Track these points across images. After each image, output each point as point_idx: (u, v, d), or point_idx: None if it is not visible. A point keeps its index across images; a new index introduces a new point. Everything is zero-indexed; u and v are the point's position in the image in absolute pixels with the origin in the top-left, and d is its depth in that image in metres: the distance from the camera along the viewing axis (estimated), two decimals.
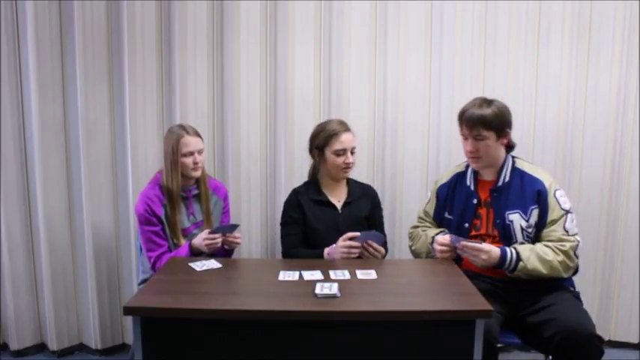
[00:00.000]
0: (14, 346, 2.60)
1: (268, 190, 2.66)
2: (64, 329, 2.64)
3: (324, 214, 2.22)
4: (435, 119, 2.61)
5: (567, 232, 1.91)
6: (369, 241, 2.05)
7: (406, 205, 2.65)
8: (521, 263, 1.86)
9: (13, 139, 2.50)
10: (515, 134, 2.57)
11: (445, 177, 2.19)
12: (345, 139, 2.19)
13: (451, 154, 2.62)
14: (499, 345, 1.92)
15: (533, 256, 1.87)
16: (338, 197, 2.27)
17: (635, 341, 2.74)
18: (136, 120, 2.54)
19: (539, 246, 1.91)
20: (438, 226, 2.17)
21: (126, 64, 2.48)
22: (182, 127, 2.17)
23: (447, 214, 2.12)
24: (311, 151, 2.29)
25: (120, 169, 2.58)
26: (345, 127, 2.23)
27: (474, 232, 2.03)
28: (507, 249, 1.89)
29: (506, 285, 1.94)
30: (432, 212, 2.19)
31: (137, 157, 2.56)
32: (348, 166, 2.21)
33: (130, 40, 2.48)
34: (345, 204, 2.26)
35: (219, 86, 2.58)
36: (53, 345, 2.61)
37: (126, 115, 2.51)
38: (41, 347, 2.68)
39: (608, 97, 2.59)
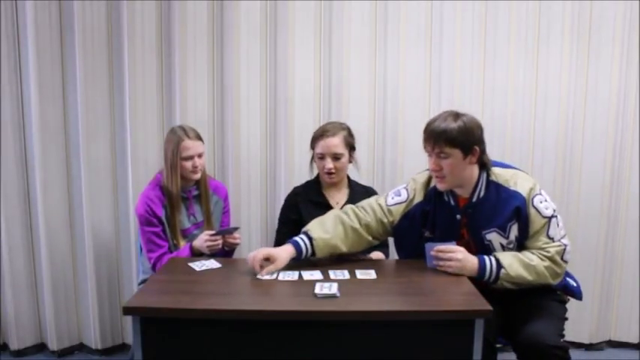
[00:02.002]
0: (14, 346, 2.60)
1: (268, 190, 2.66)
2: (64, 329, 2.64)
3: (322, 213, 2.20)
4: None
5: (552, 239, 1.78)
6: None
7: None
8: (503, 270, 1.75)
9: (13, 139, 2.50)
10: (515, 135, 2.58)
11: (421, 191, 1.93)
12: (324, 144, 2.12)
13: None
14: (498, 345, 1.91)
15: (516, 263, 1.76)
16: (337, 199, 2.25)
17: (635, 341, 2.74)
18: (136, 120, 2.54)
19: (523, 252, 1.80)
20: (409, 240, 1.94)
21: (126, 64, 2.48)
22: (183, 129, 2.16)
23: (427, 233, 1.91)
24: (310, 147, 2.28)
25: (120, 169, 2.58)
26: (332, 132, 2.13)
27: None
28: (485, 257, 1.78)
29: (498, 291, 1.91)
30: (397, 215, 1.92)
31: (137, 157, 2.56)
32: (329, 172, 2.13)
33: (130, 40, 2.48)
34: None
35: (219, 86, 2.58)
36: (53, 345, 2.61)
37: (126, 115, 2.51)
38: (41, 347, 2.68)
39: (608, 97, 2.58)
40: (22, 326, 2.61)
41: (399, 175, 2.65)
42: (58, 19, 2.47)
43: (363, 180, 2.47)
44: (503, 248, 1.82)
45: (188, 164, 2.12)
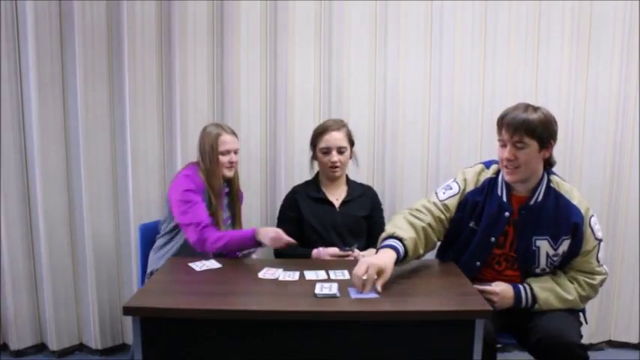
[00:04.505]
0: (14, 346, 2.60)
1: (268, 189, 2.66)
2: (64, 329, 2.64)
3: (321, 211, 2.23)
4: (435, 119, 2.61)
5: (599, 262, 1.82)
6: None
7: (406, 205, 2.63)
8: (536, 306, 1.78)
9: (13, 139, 2.50)
10: None
11: (473, 180, 1.89)
12: (329, 138, 2.19)
13: (451, 154, 2.62)
14: (498, 345, 1.91)
15: (551, 297, 1.78)
16: (337, 196, 2.28)
17: (635, 341, 2.75)
18: (136, 120, 2.54)
19: (562, 281, 1.81)
20: (456, 232, 1.90)
21: (126, 64, 2.48)
22: (219, 125, 2.20)
23: (472, 224, 1.86)
24: (310, 148, 2.32)
25: (120, 169, 2.58)
26: (335, 127, 2.21)
27: (496, 250, 1.85)
28: (521, 290, 1.79)
29: None
30: (454, 208, 1.88)
31: (137, 157, 2.55)
32: (333, 165, 2.19)
33: (130, 40, 2.48)
34: (344, 203, 2.26)
35: (219, 86, 2.58)
36: (53, 345, 2.61)
37: (126, 115, 2.51)
38: (41, 347, 2.68)
39: (608, 97, 2.59)
40: (22, 326, 2.61)
41: (399, 174, 2.65)
42: (58, 19, 2.47)
43: (363, 178, 2.47)
44: (548, 258, 1.80)
45: (225, 159, 2.15)
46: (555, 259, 1.80)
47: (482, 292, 1.75)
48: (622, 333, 2.76)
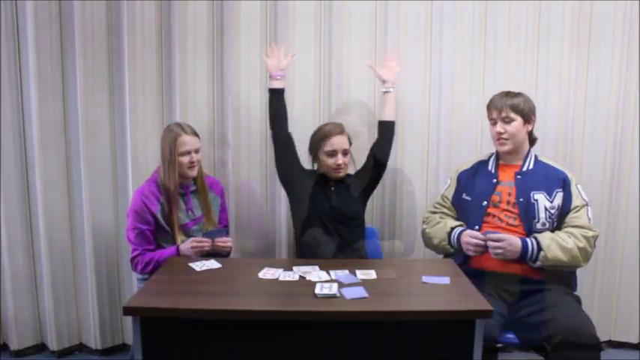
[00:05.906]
0: (14, 346, 2.60)
1: (268, 190, 2.66)
2: (64, 329, 2.64)
3: (317, 187, 2.29)
4: (435, 119, 2.61)
5: (589, 220, 2.02)
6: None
7: (406, 205, 2.65)
8: (542, 253, 1.91)
9: (13, 139, 2.50)
10: None
11: (467, 164, 2.27)
12: (335, 141, 2.24)
13: (451, 153, 2.62)
14: (499, 345, 1.92)
15: (554, 245, 1.92)
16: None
17: (635, 341, 2.74)
18: (136, 120, 2.54)
19: (559, 233, 1.97)
20: (456, 209, 2.22)
21: (126, 64, 2.48)
22: (180, 125, 2.18)
23: (464, 196, 2.17)
24: (309, 152, 2.35)
25: (120, 168, 2.58)
26: (338, 130, 2.26)
27: (491, 209, 2.07)
28: (527, 239, 1.95)
29: (509, 285, 1.94)
30: (450, 196, 2.24)
31: (137, 157, 2.55)
32: (338, 167, 2.25)
33: (130, 40, 2.48)
34: (339, 181, 2.31)
35: (219, 86, 2.58)
36: (53, 345, 2.61)
37: (126, 115, 2.51)
38: (41, 347, 2.68)
39: (608, 96, 2.59)
40: (22, 326, 2.61)
41: (398, 174, 2.65)
42: (58, 19, 2.47)
43: None
44: (546, 211, 2.01)
45: (185, 159, 2.14)
46: (553, 212, 2.02)
47: (494, 240, 1.93)
48: (622, 333, 2.76)
